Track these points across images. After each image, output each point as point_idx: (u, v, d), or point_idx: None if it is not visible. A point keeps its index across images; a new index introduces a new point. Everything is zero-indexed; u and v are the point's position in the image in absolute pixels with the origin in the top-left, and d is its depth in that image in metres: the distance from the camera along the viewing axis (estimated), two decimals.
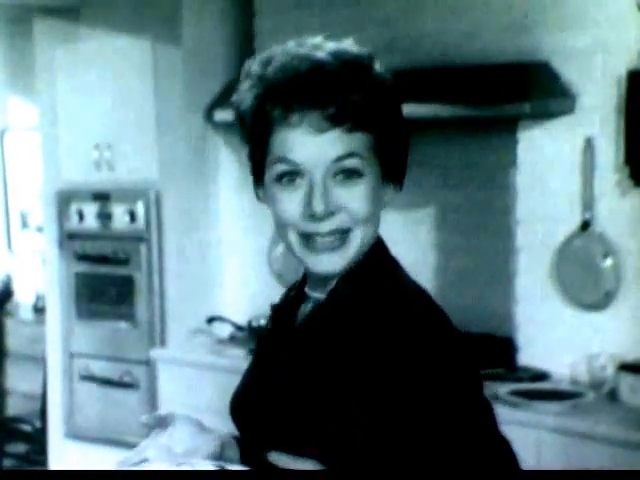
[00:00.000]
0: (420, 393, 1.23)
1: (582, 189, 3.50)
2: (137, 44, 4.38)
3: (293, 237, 1.34)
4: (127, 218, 4.47)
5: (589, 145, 3.47)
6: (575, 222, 3.52)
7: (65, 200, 4.68)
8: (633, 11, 3.32)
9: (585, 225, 3.50)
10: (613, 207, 3.45)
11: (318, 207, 1.30)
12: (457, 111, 3.56)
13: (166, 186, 4.43)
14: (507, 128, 3.65)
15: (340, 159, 1.31)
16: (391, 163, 1.37)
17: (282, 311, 1.47)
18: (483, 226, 3.82)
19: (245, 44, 4.37)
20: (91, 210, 4.59)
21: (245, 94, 1.34)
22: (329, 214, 1.31)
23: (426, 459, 1.23)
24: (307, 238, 1.34)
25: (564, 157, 3.55)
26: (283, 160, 1.32)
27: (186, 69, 4.37)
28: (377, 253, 1.38)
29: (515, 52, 3.57)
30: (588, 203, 3.48)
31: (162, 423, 1.39)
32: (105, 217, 4.55)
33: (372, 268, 1.36)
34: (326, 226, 1.32)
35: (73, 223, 4.67)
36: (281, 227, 1.36)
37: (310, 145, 1.30)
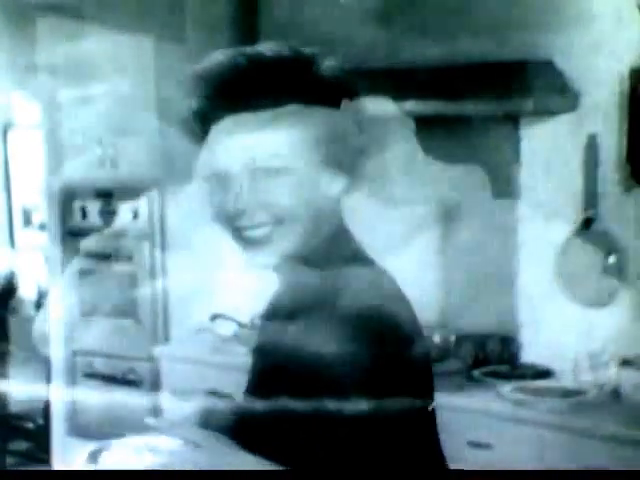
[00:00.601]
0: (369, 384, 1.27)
1: (585, 186, 3.50)
2: (140, 42, 4.38)
3: (227, 234, 1.39)
4: (130, 215, 4.47)
5: (592, 143, 3.46)
6: (578, 219, 3.52)
7: (68, 197, 4.68)
8: (635, 9, 3.32)
9: (588, 222, 3.49)
10: (616, 205, 3.45)
11: (237, 205, 1.34)
12: (460, 108, 3.56)
13: (169, 183, 4.43)
14: (510, 125, 3.65)
15: (260, 159, 1.33)
16: (333, 156, 1.38)
17: None
18: (485, 223, 3.82)
19: (249, 43, 4.37)
20: (94, 207, 4.60)
21: (189, 100, 1.42)
22: (250, 211, 1.34)
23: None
24: (237, 233, 1.37)
25: (567, 154, 3.55)
26: (208, 162, 1.37)
27: (189, 67, 4.37)
28: (337, 242, 1.40)
29: (518, 49, 3.56)
30: (591, 200, 3.48)
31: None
32: (108, 214, 4.55)
33: (328, 256, 1.38)
34: (248, 221, 1.35)
35: (76, 220, 4.67)
36: (218, 225, 1.40)
37: (231, 146, 1.34)
